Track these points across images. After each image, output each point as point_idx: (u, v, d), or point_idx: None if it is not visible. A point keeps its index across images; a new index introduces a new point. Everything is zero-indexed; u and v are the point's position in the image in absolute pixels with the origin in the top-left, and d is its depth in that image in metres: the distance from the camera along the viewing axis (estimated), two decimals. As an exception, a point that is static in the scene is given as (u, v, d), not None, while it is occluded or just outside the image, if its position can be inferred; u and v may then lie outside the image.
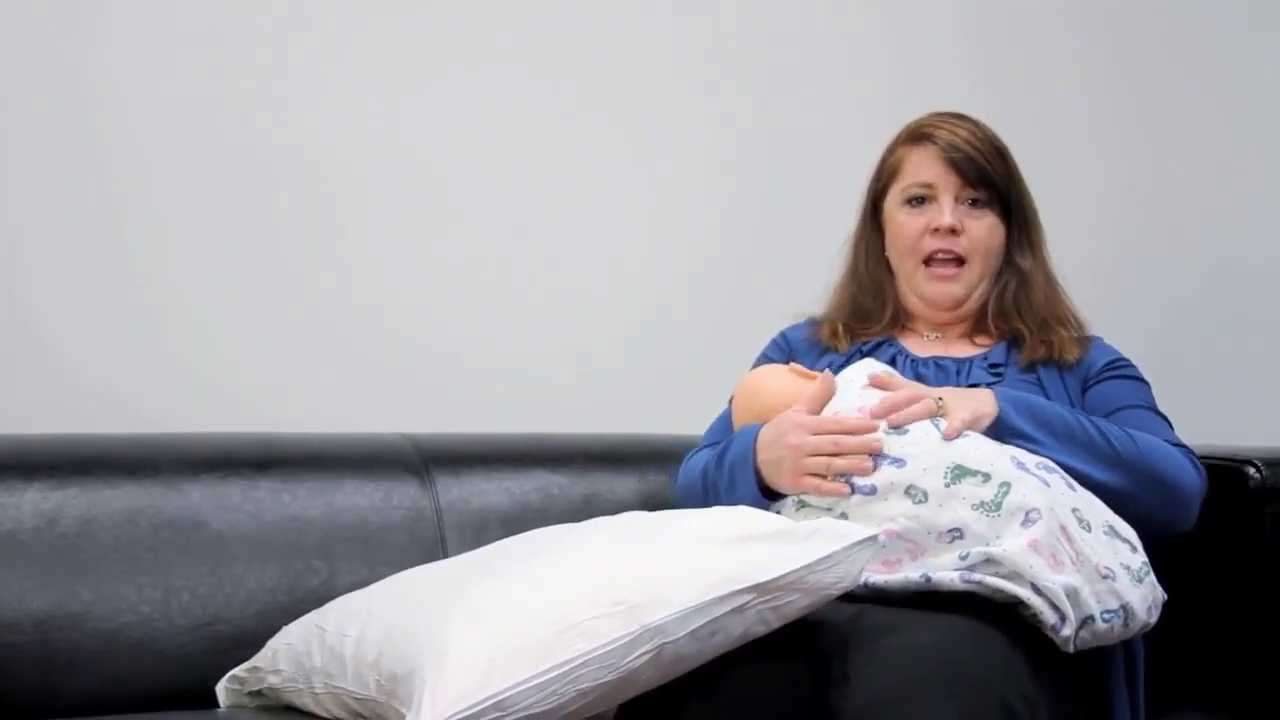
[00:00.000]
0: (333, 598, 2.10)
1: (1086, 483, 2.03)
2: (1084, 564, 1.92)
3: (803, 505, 2.03)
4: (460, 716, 1.66)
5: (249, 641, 2.15)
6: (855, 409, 2.04)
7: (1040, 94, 3.02)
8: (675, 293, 2.85)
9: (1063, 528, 1.92)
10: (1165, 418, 2.22)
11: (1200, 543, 2.25)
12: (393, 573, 2.09)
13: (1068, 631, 1.89)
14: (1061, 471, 2.01)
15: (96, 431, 2.32)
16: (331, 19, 2.69)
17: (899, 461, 1.97)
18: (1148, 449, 2.09)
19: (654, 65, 2.87)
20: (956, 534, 1.92)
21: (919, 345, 2.30)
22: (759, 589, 1.76)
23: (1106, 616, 1.93)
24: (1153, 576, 2.00)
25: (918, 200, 2.26)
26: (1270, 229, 3.19)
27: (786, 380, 2.15)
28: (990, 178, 2.24)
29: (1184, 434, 2.22)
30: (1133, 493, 2.07)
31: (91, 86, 2.55)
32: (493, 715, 1.67)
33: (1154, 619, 1.99)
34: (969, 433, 2.01)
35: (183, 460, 2.27)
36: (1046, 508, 1.91)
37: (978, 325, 2.30)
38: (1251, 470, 2.22)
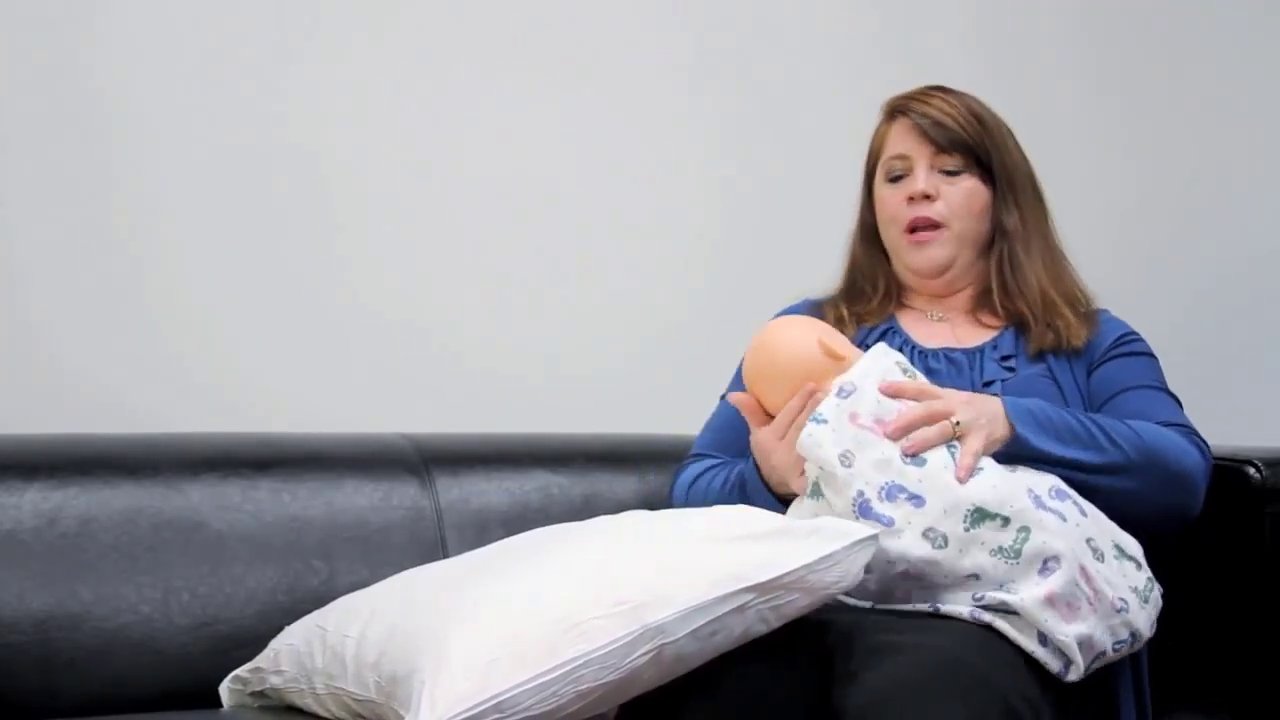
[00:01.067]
0: (333, 598, 2.10)
1: (1097, 490, 2.02)
2: (1101, 602, 1.92)
3: (819, 496, 1.99)
4: (459, 718, 1.66)
5: (249, 641, 2.14)
6: (872, 420, 1.98)
7: (1041, 91, 3.02)
8: (675, 293, 2.85)
9: (1082, 568, 1.91)
10: (1172, 395, 2.19)
11: (1200, 543, 2.25)
12: (393, 573, 2.09)
13: (1074, 676, 1.90)
14: (1072, 495, 1.98)
15: (96, 431, 2.32)
16: (332, 18, 2.69)
17: (917, 499, 1.93)
18: (1153, 443, 2.07)
19: (654, 67, 2.87)
20: (974, 577, 1.91)
21: (925, 330, 2.27)
22: (759, 588, 1.76)
23: (1118, 646, 1.94)
24: (1156, 588, 2.00)
25: (896, 176, 2.26)
26: (1271, 230, 3.19)
27: (809, 352, 2.05)
28: (964, 142, 2.23)
29: (1185, 434, 2.21)
30: (1144, 491, 2.05)
31: (92, 86, 2.55)
32: (492, 717, 1.66)
33: (1154, 630, 2.00)
34: (983, 463, 1.97)
35: (183, 460, 2.27)
36: (1068, 553, 1.90)
37: (979, 301, 2.27)
38: (1251, 470, 2.22)
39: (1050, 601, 1.88)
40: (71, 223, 2.53)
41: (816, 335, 2.07)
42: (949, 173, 2.24)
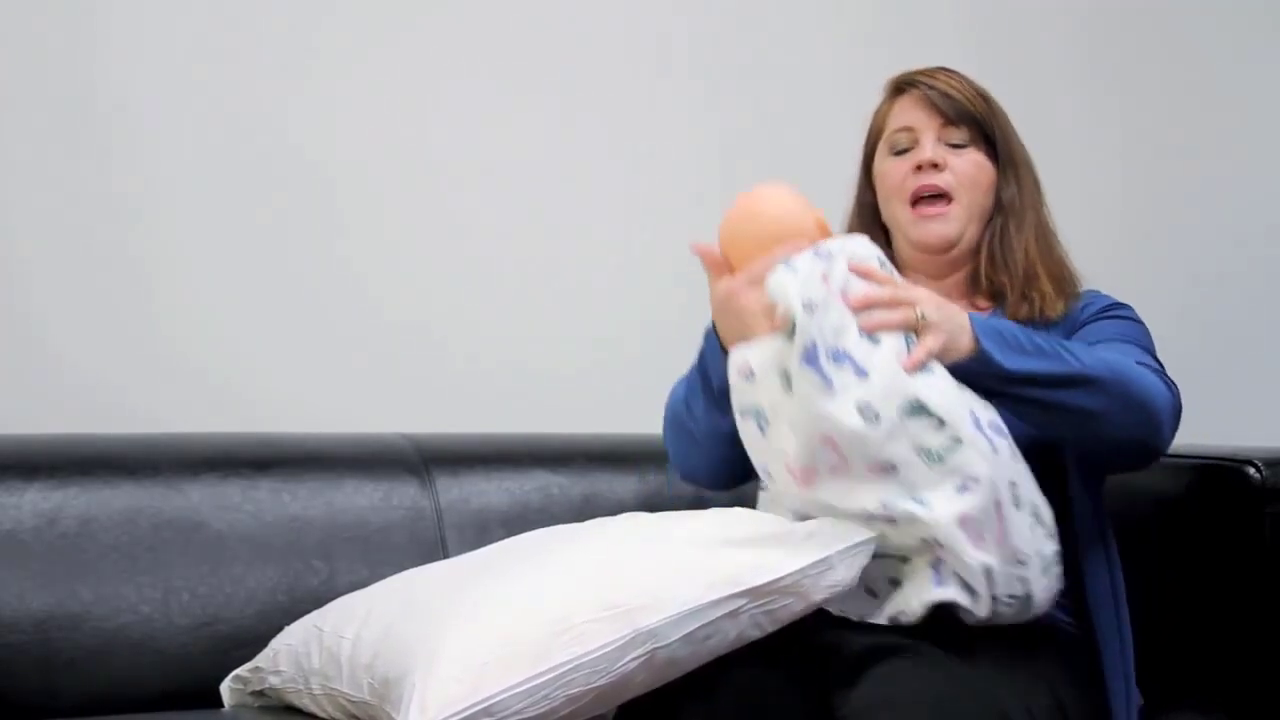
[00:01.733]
0: (333, 598, 2.10)
1: (1061, 405, 1.97)
2: (1004, 544, 1.86)
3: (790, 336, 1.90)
4: (448, 722, 1.66)
5: (249, 641, 2.15)
6: (838, 292, 1.91)
7: (1037, 89, 3.01)
8: (675, 292, 2.83)
9: (997, 503, 1.86)
10: (1154, 357, 2.14)
11: (1200, 543, 2.25)
12: (393, 573, 2.09)
13: (982, 612, 1.85)
14: (1009, 438, 1.93)
15: (96, 431, 2.32)
16: (336, 20, 2.69)
17: (862, 372, 1.87)
18: (1117, 365, 2.02)
19: (652, 66, 2.88)
20: (890, 469, 1.85)
21: None
22: (753, 593, 1.76)
23: (1009, 601, 1.88)
24: (1059, 567, 1.95)
25: (902, 149, 2.23)
26: (1271, 229, 3.19)
27: (799, 218, 1.99)
28: (972, 115, 2.21)
29: (1184, 434, 2.20)
30: (1107, 412, 1.98)
31: (93, 86, 2.55)
32: (483, 720, 1.67)
33: (1050, 608, 1.94)
34: (934, 367, 1.91)
35: (183, 460, 2.28)
36: (987, 479, 1.85)
37: (973, 280, 2.25)
38: (1251, 470, 2.21)
39: (963, 522, 1.83)
40: (72, 223, 2.53)
41: (812, 212, 2.01)
42: (955, 145, 2.22)
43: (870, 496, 1.85)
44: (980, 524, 1.84)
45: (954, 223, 2.21)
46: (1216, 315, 3.15)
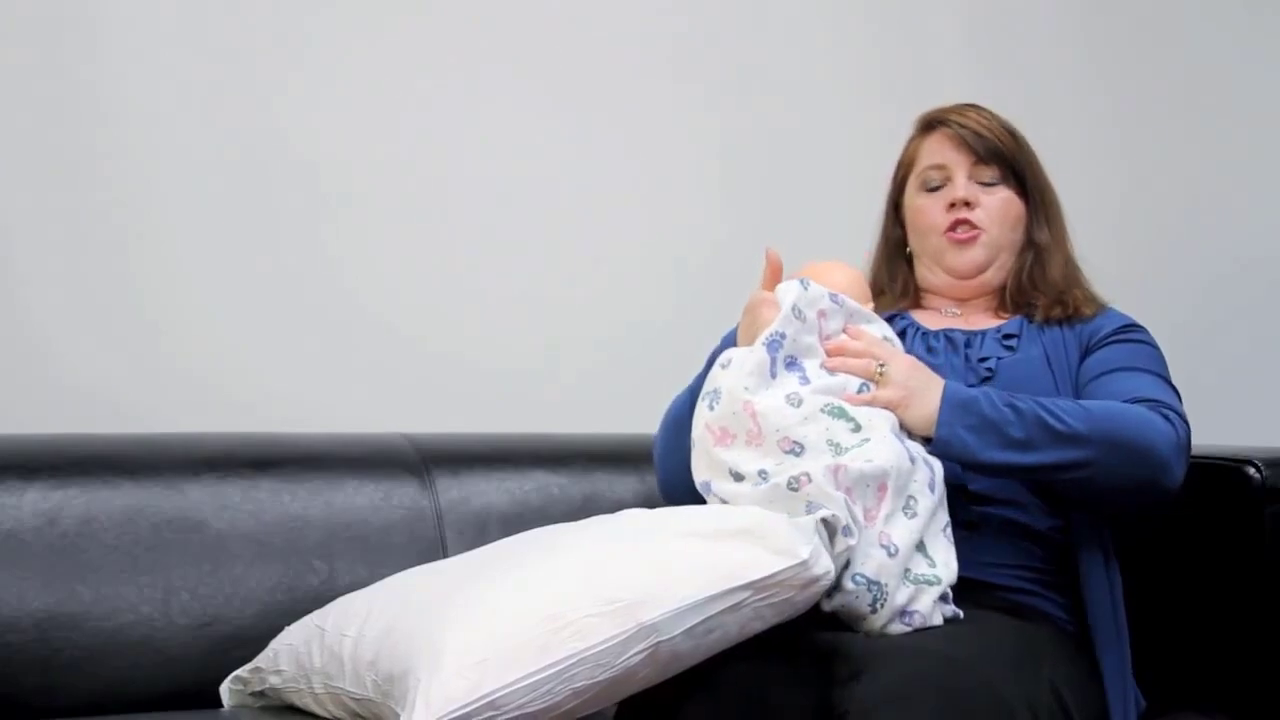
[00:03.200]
0: (333, 598, 2.10)
1: (1046, 468, 2.00)
2: (873, 522, 1.89)
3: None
4: (453, 716, 1.66)
5: (249, 641, 2.15)
6: (825, 333, 2.05)
7: (1036, 93, 3.02)
8: (675, 292, 2.86)
9: (882, 485, 1.90)
10: (1168, 381, 2.16)
11: (1200, 543, 2.25)
12: (393, 573, 2.09)
13: (852, 540, 1.84)
14: (937, 476, 1.97)
15: (96, 431, 2.32)
16: (330, 21, 2.70)
17: (805, 380, 1.99)
18: (1102, 414, 2.03)
19: (649, 69, 2.89)
20: (798, 450, 1.93)
21: (935, 320, 2.28)
22: (755, 586, 1.76)
23: (857, 579, 1.86)
24: (933, 605, 1.92)
25: (934, 186, 2.27)
26: (1270, 231, 3.19)
27: (862, 291, 2.17)
28: (1001, 153, 2.26)
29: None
30: (1094, 462, 2.00)
31: (92, 87, 2.55)
32: (486, 715, 1.67)
33: (912, 624, 1.90)
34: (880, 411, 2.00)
35: (183, 460, 2.27)
36: (883, 464, 1.90)
37: (1000, 299, 2.29)
38: (1251, 470, 2.21)
39: (836, 471, 1.88)
40: (71, 223, 2.53)
41: (862, 276, 2.19)
42: (986, 184, 2.26)
43: (771, 463, 1.92)
44: (852, 484, 1.89)
45: (984, 250, 2.26)
46: (1216, 316, 3.15)
